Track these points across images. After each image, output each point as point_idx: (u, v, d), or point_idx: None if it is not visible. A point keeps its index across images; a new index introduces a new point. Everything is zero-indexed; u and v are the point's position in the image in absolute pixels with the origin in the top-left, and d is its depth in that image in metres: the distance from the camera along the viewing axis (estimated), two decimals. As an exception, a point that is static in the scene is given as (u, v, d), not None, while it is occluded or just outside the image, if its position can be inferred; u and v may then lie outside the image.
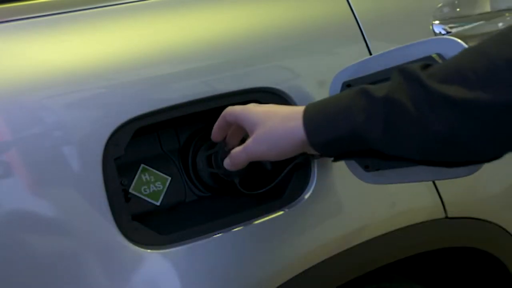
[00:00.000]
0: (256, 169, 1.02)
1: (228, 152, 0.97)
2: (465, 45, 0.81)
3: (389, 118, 0.73)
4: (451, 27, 1.24)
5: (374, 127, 0.74)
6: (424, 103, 0.70)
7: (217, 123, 0.94)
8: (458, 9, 1.29)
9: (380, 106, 0.73)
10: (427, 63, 0.75)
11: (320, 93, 1.03)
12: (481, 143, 0.70)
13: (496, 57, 0.66)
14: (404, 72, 0.73)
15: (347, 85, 0.96)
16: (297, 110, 0.83)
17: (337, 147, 0.80)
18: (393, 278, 1.23)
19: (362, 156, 0.82)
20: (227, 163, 0.94)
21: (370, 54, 1.09)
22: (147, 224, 0.91)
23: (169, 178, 1.02)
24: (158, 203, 1.01)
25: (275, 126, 0.84)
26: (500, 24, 1.32)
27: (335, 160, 0.85)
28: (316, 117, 0.80)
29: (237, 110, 0.90)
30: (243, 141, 0.93)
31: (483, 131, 0.68)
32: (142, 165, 1.01)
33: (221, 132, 0.96)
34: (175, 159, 1.04)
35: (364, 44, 1.10)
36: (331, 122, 0.78)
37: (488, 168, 0.83)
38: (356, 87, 0.78)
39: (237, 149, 0.90)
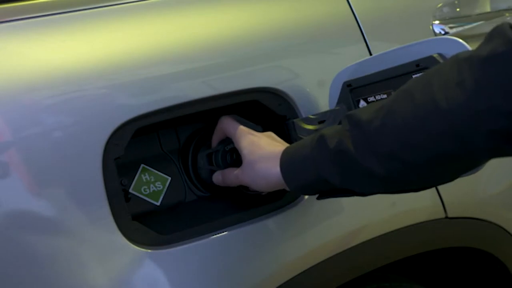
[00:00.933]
0: None
1: (229, 151, 0.96)
2: (465, 45, 0.82)
3: (342, 165, 0.79)
4: (451, 27, 1.24)
5: (333, 174, 0.81)
6: (365, 150, 0.76)
7: (215, 133, 1.02)
8: (458, 9, 1.29)
9: (333, 155, 0.80)
10: (375, 102, 0.80)
11: (320, 93, 1.03)
12: (419, 183, 0.80)
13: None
14: (349, 119, 0.79)
15: (347, 85, 0.96)
16: (277, 152, 0.89)
17: (313, 189, 0.87)
18: (393, 278, 1.23)
19: (339, 193, 0.87)
20: (218, 179, 1.00)
21: (370, 54, 1.09)
22: (147, 224, 0.90)
23: (169, 178, 1.02)
24: (158, 203, 1.01)
25: (256, 164, 0.91)
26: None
27: (319, 198, 0.90)
28: (289, 166, 0.87)
29: (230, 132, 0.97)
30: None
31: (416, 175, 0.76)
32: (142, 165, 1.01)
33: (219, 139, 1.02)
34: (175, 159, 1.04)
35: (364, 44, 1.10)
36: (300, 169, 0.85)
37: (488, 168, 0.83)
38: (316, 133, 0.84)
39: (231, 173, 0.97)
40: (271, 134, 0.97)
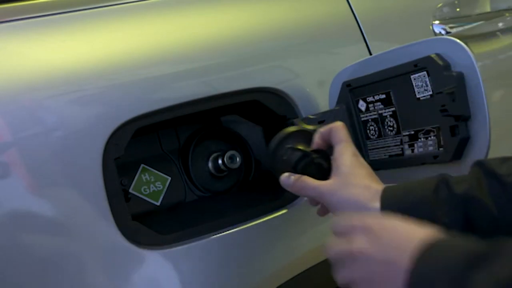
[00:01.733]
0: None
1: (315, 164, 0.86)
2: (464, 46, 0.82)
3: (469, 215, 0.73)
4: (451, 27, 1.24)
5: (454, 222, 0.74)
6: (507, 204, 0.71)
7: (323, 134, 0.88)
8: (458, 9, 1.29)
9: (460, 202, 0.74)
10: (505, 157, 0.75)
11: (320, 93, 1.03)
12: None
13: None
14: (483, 168, 0.73)
15: (347, 84, 0.96)
16: (375, 188, 0.81)
17: None
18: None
19: None
20: (287, 182, 0.87)
21: (370, 54, 1.09)
22: (147, 224, 0.90)
23: (169, 178, 1.02)
24: (158, 203, 1.01)
25: (351, 195, 0.81)
26: (500, 24, 1.32)
27: None
28: (395, 203, 0.78)
29: (339, 140, 0.85)
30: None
31: None
32: (142, 165, 1.01)
33: (321, 143, 0.89)
34: (175, 159, 1.04)
35: (364, 44, 1.10)
36: (411, 210, 0.76)
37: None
38: (436, 176, 0.77)
39: (308, 183, 0.85)
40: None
